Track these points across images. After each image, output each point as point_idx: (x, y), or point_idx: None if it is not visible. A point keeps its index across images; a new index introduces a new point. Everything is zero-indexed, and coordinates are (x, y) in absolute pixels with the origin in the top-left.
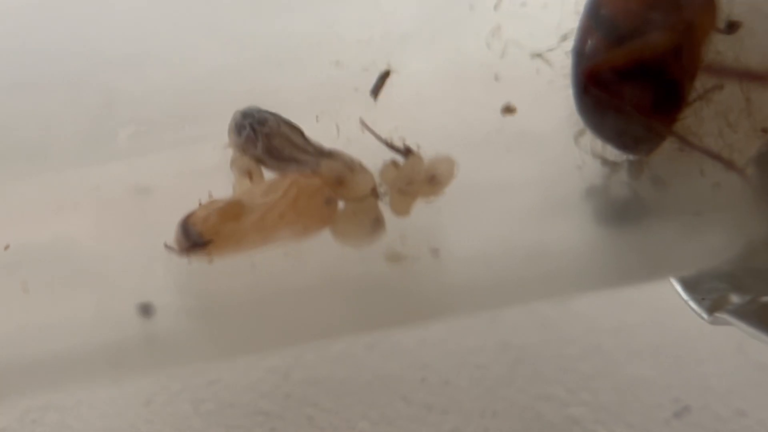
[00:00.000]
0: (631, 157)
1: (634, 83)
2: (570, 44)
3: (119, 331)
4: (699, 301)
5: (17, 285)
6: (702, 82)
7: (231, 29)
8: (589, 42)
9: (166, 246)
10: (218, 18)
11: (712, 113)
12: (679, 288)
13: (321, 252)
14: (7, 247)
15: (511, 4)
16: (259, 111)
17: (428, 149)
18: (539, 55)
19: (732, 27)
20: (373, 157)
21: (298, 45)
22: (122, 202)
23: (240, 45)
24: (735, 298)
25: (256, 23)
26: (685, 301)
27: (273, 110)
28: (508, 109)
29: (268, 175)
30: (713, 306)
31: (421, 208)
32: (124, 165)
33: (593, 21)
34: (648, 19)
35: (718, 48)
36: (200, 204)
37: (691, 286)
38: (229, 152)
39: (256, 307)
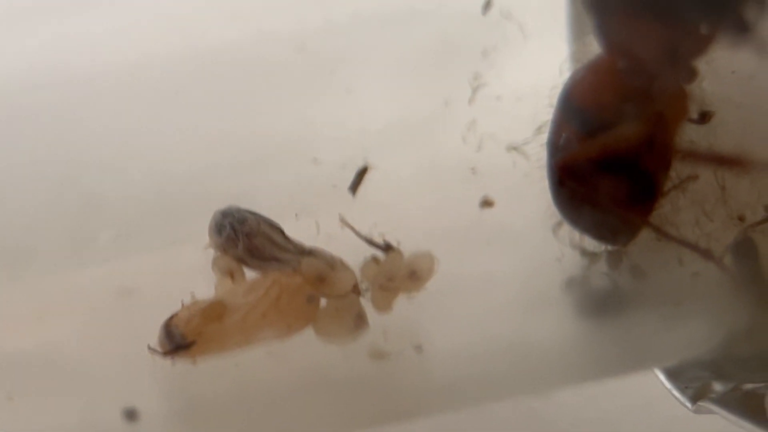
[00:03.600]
0: (609, 247)
1: (608, 175)
2: (545, 136)
3: None
4: (682, 389)
5: (2, 393)
6: (677, 172)
7: (208, 130)
8: (563, 135)
9: (150, 348)
10: (195, 119)
11: (688, 202)
12: (662, 377)
13: (304, 350)
14: None
15: (485, 98)
16: (239, 210)
17: (408, 245)
18: (515, 148)
19: (704, 117)
20: (353, 254)
21: (275, 144)
22: (105, 306)
23: (218, 145)
24: (718, 387)
25: (233, 123)
26: (669, 390)
27: (252, 209)
28: (486, 203)
29: (250, 274)
30: (696, 394)
31: (402, 303)
32: (106, 268)
33: (566, 114)
34: (620, 111)
35: (692, 138)
36: (183, 305)
37: (674, 374)
38: (211, 252)
39: (241, 408)
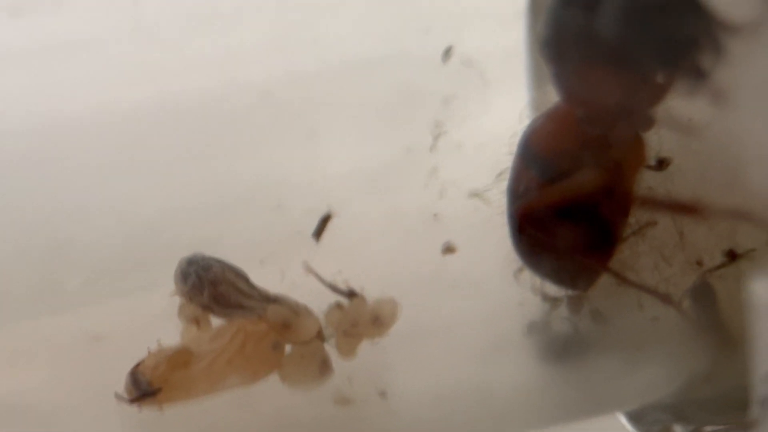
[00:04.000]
0: (570, 292)
1: (567, 222)
2: (506, 183)
3: None
4: None
5: None
6: (636, 218)
7: (173, 177)
8: (523, 182)
9: (117, 396)
10: (161, 167)
11: (647, 248)
12: (624, 420)
13: (270, 397)
14: None
15: (446, 145)
16: (204, 258)
17: (371, 291)
18: (477, 195)
19: (662, 164)
20: (317, 300)
21: (240, 190)
22: (73, 352)
23: (183, 192)
24: (679, 429)
25: (198, 170)
26: None
27: (217, 256)
28: (449, 249)
29: (216, 321)
30: None
31: (367, 349)
32: (74, 315)
33: (525, 161)
34: (579, 158)
35: (650, 184)
36: (149, 352)
37: (636, 417)
38: (177, 300)
39: None
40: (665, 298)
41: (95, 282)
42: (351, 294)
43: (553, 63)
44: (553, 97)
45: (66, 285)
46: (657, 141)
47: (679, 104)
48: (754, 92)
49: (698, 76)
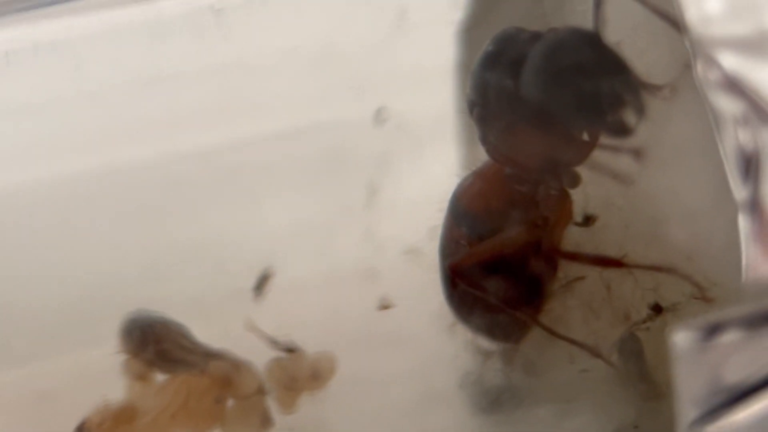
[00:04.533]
0: (502, 345)
1: (497, 277)
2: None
3: None
4: None
5: None
6: (565, 273)
7: (117, 238)
8: (453, 238)
9: None
10: (104, 229)
11: (576, 302)
12: None
13: None
14: None
15: (380, 203)
16: (148, 315)
17: (310, 346)
18: (410, 252)
19: (588, 220)
20: (258, 356)
21: (182, 250)
22: (20, 410)
23: (126, 252)
24: None
25: (141, 231)
26: None
27: (161, 314)
28: (385, 305)
29: (160, 376)
30: None
31: (306, 403)
32: (20, 373)
33: (456, 218)
34: (507, 215)
35: (577, 240)
36: (95, 408)
37: None
38: (122, 356)
39: None
40: (594, 351)
41: (41, 340)
42: (290, 349)
43: (479, 123)
44: (482, 155)
45: (11, 344)
46: (583, 198)
47: (604, 161)
48: (673, 150)
49: (621, 134)
